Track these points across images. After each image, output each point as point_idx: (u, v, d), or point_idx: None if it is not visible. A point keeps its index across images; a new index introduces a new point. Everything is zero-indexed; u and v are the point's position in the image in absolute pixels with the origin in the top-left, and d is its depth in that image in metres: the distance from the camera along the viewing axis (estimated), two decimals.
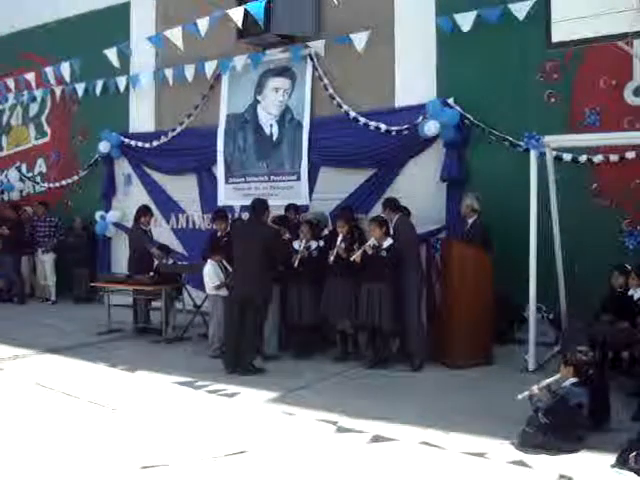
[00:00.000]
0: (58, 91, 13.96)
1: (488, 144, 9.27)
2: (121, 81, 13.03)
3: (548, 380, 5.68)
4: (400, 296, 8.04)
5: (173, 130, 12.52)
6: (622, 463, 4.85)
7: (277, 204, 10.06)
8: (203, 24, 9.03)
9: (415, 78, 9.89)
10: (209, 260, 8.97)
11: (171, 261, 10.48)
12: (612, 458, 4.94)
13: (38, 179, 15.07)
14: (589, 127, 8.58)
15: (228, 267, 8.76)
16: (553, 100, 8.91)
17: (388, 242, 7.99)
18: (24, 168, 15.40)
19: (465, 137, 9.49)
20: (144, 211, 10.79)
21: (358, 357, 8.35)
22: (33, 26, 14.84)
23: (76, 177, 14.18)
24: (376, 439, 5.57)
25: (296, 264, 8.38)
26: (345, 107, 10.54)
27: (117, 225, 13.26)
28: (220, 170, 11.94)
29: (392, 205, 8.63)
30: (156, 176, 12.88)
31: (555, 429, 5.28)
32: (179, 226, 12.57)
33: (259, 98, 11.64)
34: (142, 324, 10.36)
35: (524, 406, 5.66)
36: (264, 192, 11.03)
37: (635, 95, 8.37)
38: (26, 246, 13.76)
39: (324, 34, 10.78)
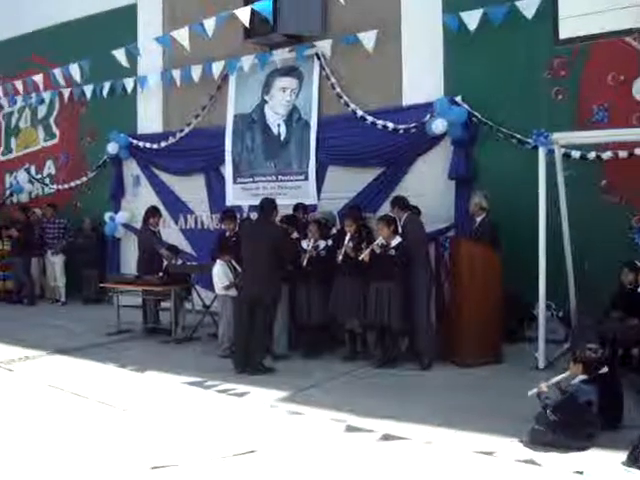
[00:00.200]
0: (66, 93, 14.02)
1: (496, 142, 9.25)
2: (129, 82, 13.07)
3: (557, 377, 5.66)
4: (409, 295, 8.03)
5: (181, 131, 12.55)
6: (633, 461, 4.82)
7: (285, 204, 10.07)
8: (210, 24, 9.04)
9: (422, 76, 9.88)
10: (218, 260, 8.98)
11: (180, 261, 10.50)
12: (623, 456, 4.91)
13: (47, 181, 15.13)
14: (597, 124, 8.55)
15: (237, 267, 8.76)
16: (561, 97, 8.88)
17: (396, 241, 7.98)
18: (33, 170, 15.46)
19: (473, 135, 9.47)
20: (153, 212, 10.81)
21: (367, 356, 8.34)
22: (40, 29, 14.89)
23: (85, 178, 14.24)
24: (386, 438, 5.56)
25: (304, 263, 8.38)
26: (352, 106, 10.54)
27: (126, 226, 13.29)
28: (228, 170, 11.95)
29: (401, 204, 8.62)
30: (164, 177, 12.91)
31: (564, 427, 5.26)
32: (188, 226, 12.59)
33: (266, 98, 11.64)
34: (151, 324, 10.39)
35: (533, 404, 5.64)
36: (272, 192, 11.03)
37: None
38: (35, 248, 13.81)
39: (331, 33, 10.77)
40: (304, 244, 8.61)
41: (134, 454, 5.33)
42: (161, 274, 9.98)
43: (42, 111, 15.24)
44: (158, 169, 12.99)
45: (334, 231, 9.29)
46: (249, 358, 7.86)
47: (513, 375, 7.38)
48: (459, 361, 7.96)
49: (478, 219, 8.65)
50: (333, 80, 10.80)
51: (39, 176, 15.31)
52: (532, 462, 4.97)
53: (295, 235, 8.81)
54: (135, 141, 13.13)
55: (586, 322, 7.66)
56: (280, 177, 11.36)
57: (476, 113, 9.37)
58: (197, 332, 9.95)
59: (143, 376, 7.93)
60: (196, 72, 12.06)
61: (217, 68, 11.80)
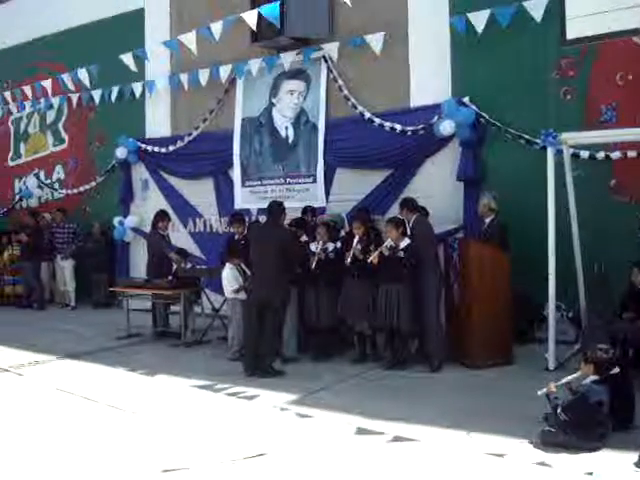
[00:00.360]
0: (75, 98, 14.06)
1: (504, 142, 9.23)
2: (137, 87, 13.11)
3: (568, 378, 5.64)
4: (418, 297, 8.02)
5: (189, 135, 12.58)
6: None
7: (293, 206, 10.10)
8: (217, 28, 9.05)
9: (430, 78, 9.87)
10: (227, 264, 8.98)
11: (189, 265, 10.52)
12: (634, 456, 4.89)
13: (56, 186, 15.19)
14: (606, 123, 8.53)
15: (246, 270, 8.77)
16: (569, 97, 8.85)
17: (405, 242, 7.97)
18: (42, 175, 15.52)
19: (481, 136, 9.46)
20: (162, 216, 10.82)
21: (376, 358, 8.34)
22: (48, 34, 14.99)
23: (94, 183, 14.29)
24: (396, 440, 5.55)
25: (313, 266, 8.37)
26: (360, 108, 10.54)
27: (135, 230, 13.33)
28: (236, 173, 11.97)
29: (410, 205, 8.60)
30: (173, 181, 12.95)
31: (575, 427, 5.24)
32: (197, 230, 12.61)
33: (274, 101, 11.66)
34: (161, 328, 10.40)
35: (544, 405, 5.63)
36: (280, 195, 11.06)
37: None
38: (45, 252, 13.87)
39: (338, 36, 10.78)
40: (312, 247, 8.60)
41: (145, 457, 5.33)
42: (170, 278, 9.99)
43: (51, 116, 15.31)
44: (167, 173, 13.02)
45: (343, 233, 9.29)
46: (259, 361, 7.86)
47: (523, 376, 7.35)
48: (469, 363, 7.94)
49: (487, 220, 8.65)
50: (341, 82, 10.80)
51: (48, 181, 15.37)
52: (543, 464, 4.95)
53: (304, 238, 8.81)
54: (143, 145, 13.17)
55: (596, 323, 7.63)
56: (288, 180, 11.37)
57: (484, 114, 9.36)
58: (207, 335, 9.96)
59: (153, 380, 7.94)
60: (204, 76, 12.08)
61: (225, 72, 11.82)
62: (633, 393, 5.78)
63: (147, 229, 11.77)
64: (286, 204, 8.60)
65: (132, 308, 10.53)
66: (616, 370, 5.59)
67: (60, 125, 15.19)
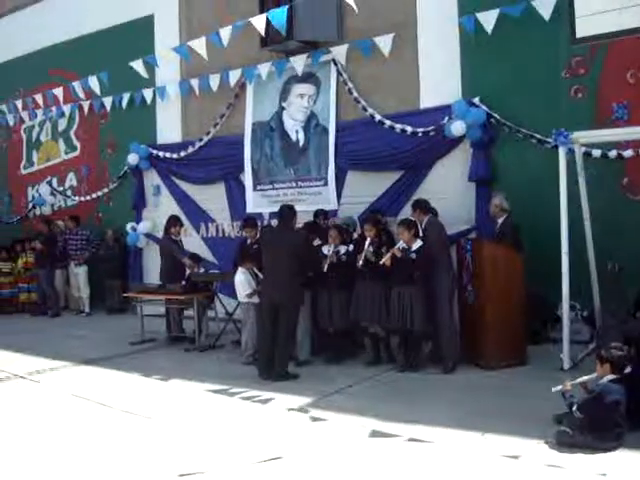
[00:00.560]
0: (86, 105, 14.14)
1: (515, 142, 9.21)
2: (147, 93, 13.16)
3: (584, 378, 5.61)
4: (431, 298, 8.01)
5: (200, 140, 12.61)
6: None
7: (305, 210, 10.15)
8: (226, 33, 9.08)
9: (440, 79, 9.86)
10: (240, 268, 8.99)
11: (202, 270, 10.55)
12: None
13: (69, 193, 15.26)
14: (617, 121, 8.49)
15: (259, 274, 8.77)
16: (580, 96, 8.82)
17: (418, 244, 7.96)
18: (55, 182, 15.61)
19: (492, 136, 9.43)
20: (174, 221, 10.85)
21: (390, 360, 8.32)
22: (59, 42, 15.07)
23: (106, 190, 14.38)
24: (411, 442, 5.54)
25: (325, 269, 8.38)
26: (370, 110, 10.53)
27: (148, 236, 13.38)
28: (248, 178, 11.99)
29: (422, 206, 8.57)
30: (185, 186, 12.99)
31: (592, 428, 5.22)
32: (209, 235, 12.65)
33: (284, 105, 11.67)
34: (175, 333, 10.42)
35: (559, 405, 5.61)
36: (292, 198, 11.07)
37: None
38: (59, 259, 13.95)
39: (347, 39, 10.78)
40: (324, 249, 8.61)
41: (161, 462, 5.35)
42: (184, 283, 10.01)
43: (62, 124, 15.40)
44: (178, 179, 13.06)
45: (355, 236, 9.29)
46: (273, 364, 7.87)
47: (537, 377, 7.30)
48: (483, 364, 7.92)
49: (499, 220, 8.62)
50: (350, 85, 10.81)
51: (61, 188, 15.45)
52: (557, 465, 4.92)
53: (317, 242, 8.81)
54: (155, 151, 13.22)
55: (610, 322, 7.59)
56: (300, 183, 11.38)
57: (495, 114, 9.33)
58: (220, 340, 9.97)
59: (167, 384, 7.96)
60: (214, 81, 12.12)
61: (234, 76, 11.85)
62: None
63: (160, 235, 11.80)
64: (298, 207, 8.62)
65: (146, 314, 10.57)
66: (629, 369, 5.55)
67: (72, 133, 15.27)
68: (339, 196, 10.91)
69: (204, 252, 12.07)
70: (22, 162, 16.51)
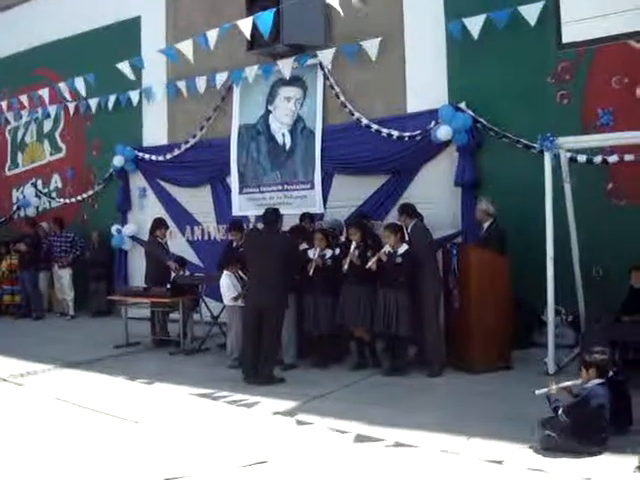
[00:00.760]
0: (71, 107, 14.06)
1: (501, 147, 9.24)
2: (134, 95, 13.11)
3: (568, 383, 5.62)
4: (417, 302, 8.02)
5: (186, 142, 12.58)
6: None
7: (291, 213, 10.14)
8: (213, 36, 9.07)
9: (426, 84, 9.88)
10: (225, 271, 8.97)
11: (188, 273, 10.52)
12: (634, 460, 4.88)
13: (54, 194, 15.17)
14: (603, 127, 8.54)
15: (245, 278, 8.75)
16: (566, 101, 8.87)
17: (404, 248, 7.97)
18: (40, 184, 15.51)
19: (478, 141, 9.46)
20: (159, 224, 10.83)
21: (376, 365, 8.33)
22: (45, 43, 14.96)
23: (91, 192, 14.29)
24: (396, 446, 5.54)
25: (311, 272, 8.36)
26: (357, 114, 10.55)
27: (133, 238, 13.32)
28: (234, 181, 11.97)
29: (408, 211, 8.60)
30: (171, 189, 12.94)
31: (576, 432, 5.23)
32: (195, 238, 12.61)
33: (270, 108, 11.67)
34: (160, 336, 10.38)
35: (544, 410, 5.61)
36: (278, 201, 11.06)
37: None
38: (43, 261, 13.86)
39: (334, 43, 10.79)
40: (310, 253, 8.60)
41: (146, 466, 5.32)
42: (169, 286, 9.98)
43: (48, 125, 15.29)
44: (164, 181, 13.02)
45: (342, 239, 9.29)
46: (258, 368, 7.85)
47: (523, 381, 7.30)
48: (468, 368, 7.93)
49: (485, 225, 8.65)
50: (337, 89, 10.81)
51: (46, 190, 15.35)
52: (542, 469, 4.93)
53: (304, 246, 8.80)
54: (141, 154, 13.16)
55: (595, 326, 7.63)
56: (286, 187, 11.38)
57: (481, 119, 9.37)
58: (206, 343, 9.95)
59: (152, 388, 7.93)
60: (200, 84, 12.11)
61: (221, 79, 11.84)
62: (629, 396, 5.77)
63: (145, 237, 11.75)
64: (284, 211, 8.63)
65: (131, 316, 10.53)
66: (611, 373, 5.58)
67: (57, 134, 15.17)
68: (325, 200, 10.90)
69: (189, 255, 12.05)
70: (7, 164, 16.40)
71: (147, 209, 13.21)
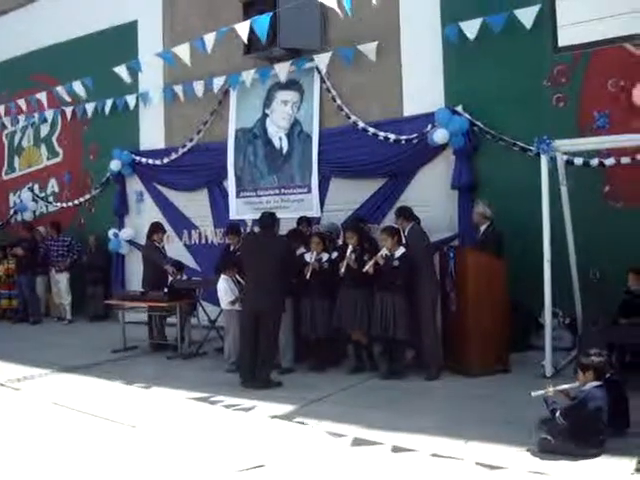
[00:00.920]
0: (68, 111, 14.07)
1: (498, 150, 9.26)
2: (130, 99, 13.12)
3: (565, 386, 5.62)
4: (414, 305, 8.02)
5: (183, 146, 12.58)
6: None
7: (288, 217, 10.13)
8: (210, 39, 9.07)
9: (423, 87, 9.90)
10: (222, 275, 8.96)
11: (185, 277, 10.51)
12: (632, 462, 4.89)
13: (51, 199, 15.16)
14: (599, 130, 8.57)
15: (242, 281, 8.75)
16: (562, 104, 8.89)
17: (400, 251, 7.98)
18: (37, 188, 15.50)
19: (475, 144, 9.48)
20: (156, 228, 10.82)
21: (373, 368, 8.32)
22: (42, 47, 14.98)
23: (88, 196, 14.29)
24: (394, 450, 5.53)
25: (308, 276, 8.36)
26: (354, 118, 10.56)
27: (130, 242, 13.32)
28: (231, 185, 11.97)
29: (405, 214, 8.59)
30: (168, 193, 12.94)
31: (574, 434, 5.23)
32: (192, 242, 12.61)
33: (267, 112, 11.67)
34: (157, 340, 10.37)
35: (542, 412, 5.63)
36: (275, 205, 11.08)
37: None
38: (40, 266, 13.84)
39: (331, 46, 10.80)
40: (307, 257, 8.60)
41: (144, 471, 5.32)
42: (166, 290, 9.96)
43: (45, 130, 15.29)
44: (161, 185, 13.01)
45: (340, 242, 9.29)
46: (255, 372, 7.84)
47: (520, 384, 7.28)
48: (466, 371, 7.93)
49: (482, 228, 8.66)
50: (334, 93, 10.83)
51: (43, 194, 15.34)
52: (540, 472, 4.93)
53: (302, 250, 8.80)
54: (138, 157, 13.16)
55: (592, 329, 7.63)
56: (283, 190, 11.38)
57: (477, 122, 9.39)
58: (203, 347, 9.94)
59: (150, 392, 7.92)
60: (197, 87, 12.11)
61: (218, 83, 11.85)
62: (626, 398, 5.78)
63: (142, 241, 11.74)
64: (281, 215, 8.63)
65: (128, 321, 10.53)
66: (608, 375, 5.58)
67: (54, 138, 15.18)
68: (322, 203, 10.91)
69: (187, 259, 12.02)
70: (4, 168, 16.39)
71: (144, 213, 13.20)
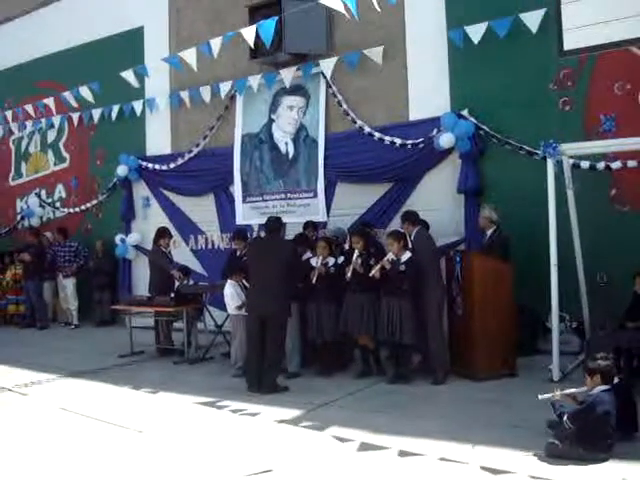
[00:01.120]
0: (75, 117, 14.12)
1: (504, 154, 9.25)
2: (137, 105, 13.16)
3: (573, 390, 5.61)
4: (421, 310, 8.01)
5: (190, 152, 12.61)
6: None
7: (295, 221, 10.14)
8: (216, 44, 9.09)
9: (428, 91, 9.91)
10: (229, 280, 8.97)
11: (192, 282, 10.52)
12: None
13: (58, 204, 15.21)
14: (605, 133, 8.55)
15: (248, 286, 8.74)
16: (568, 108, 8.89)
17: (407, 256, 7.97)
18: (44, 194, 15.55)
19: (481, 148, 9.48)
20: (163, 233, 10.83)
21: (380, 373, 8.32)
22: (49, 54, 15.08)
23: (95, 201, 14.34)
24: (401, 455, 5.52)
25: (314, 281, 8.35)
26: (360, 122, 10.57)
27: (137, 247, 13.35)
28: (237, 190, 11.99)
29: (411, 218, 8.58)
30: (174, 198, 12.97)
31: (582, 438, 5.21)
32: (198, 247, 12.63)
33: (273, 117, 11.70)
34: (164, 345, 10.38)
35: (549, 417, 5.61)
36: (281, 210, 11.10)
37: None
38: (47, 271, 13.89)
39: (336, 51, 10.82)
40: (313, 261, 8.59)
41: (151, 476, 5.32)
42: (173, 295, 9.97)
43: (52, 135, 15.37)
44: (168, 190, 13.05)
45: (346, 247, 9.28)
46: (262, 377, 7.83)
47: (527, 388, 7.27)
48: (473, 375, 7.91)
49: (489, 232, 8.64)
50: (340, 97, 10.84)
51: (50, 200, 15.39)
52: (546, 477, 4.91)
53: (308, 254, 8.80)
54: (144, 163, 13.21)
55: (600, 333, 7.61)
56: (289, 195, 11.40)
57: (483, 126, 9.39)
58: (210, 352, 9.94)
59: (157, 397, 7.92)
60: (204, 93, 12.15)
61: (224, 88, 11.87)
62: (635, 402, 5.75)
63: (149, 246, 11.76)
64: (287, 219, 8.64)
65: (135, 326, 10.54)
66: (616, 379, 5.56)
67: (61, 144, 15.24)
68: (328, 208, 10.92)
69: (193, 264, 12.05)
70: (11, 173, 16.45)
71: (151, 218, 13.23)
